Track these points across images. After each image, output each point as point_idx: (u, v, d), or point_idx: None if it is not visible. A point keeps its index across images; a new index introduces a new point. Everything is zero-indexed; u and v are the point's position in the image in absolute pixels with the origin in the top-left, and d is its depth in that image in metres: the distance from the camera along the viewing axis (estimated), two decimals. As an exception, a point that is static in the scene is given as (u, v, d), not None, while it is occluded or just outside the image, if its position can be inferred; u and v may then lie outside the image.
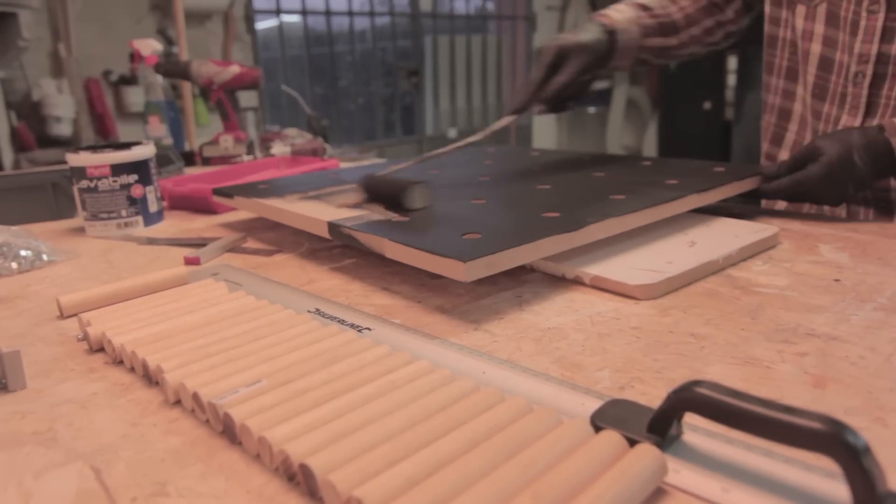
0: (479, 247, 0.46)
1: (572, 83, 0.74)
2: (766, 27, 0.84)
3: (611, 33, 0.77)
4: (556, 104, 0.75)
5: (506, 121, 0.76)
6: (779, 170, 0.69)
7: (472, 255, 0.44)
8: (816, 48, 0.75)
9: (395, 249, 0.49)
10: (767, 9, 0.82)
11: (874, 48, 0.68)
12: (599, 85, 4.48)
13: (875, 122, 0.71)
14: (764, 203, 0.84)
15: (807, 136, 0.82)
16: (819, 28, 0.75)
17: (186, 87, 1.77)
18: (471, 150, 1.01)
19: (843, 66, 0.72)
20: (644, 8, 0.82)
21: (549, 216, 0.54)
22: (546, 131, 4.61)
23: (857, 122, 0.72)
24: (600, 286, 0.50)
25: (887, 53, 0.68)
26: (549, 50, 0.74)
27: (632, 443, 0.27)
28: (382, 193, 0.63)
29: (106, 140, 2.57)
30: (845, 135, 0.65)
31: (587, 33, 0.75)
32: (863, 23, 0.69)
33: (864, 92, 0.71)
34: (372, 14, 3.79)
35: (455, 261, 0.44)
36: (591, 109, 4.60)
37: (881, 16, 0.67)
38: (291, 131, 1.41)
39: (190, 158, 1.40)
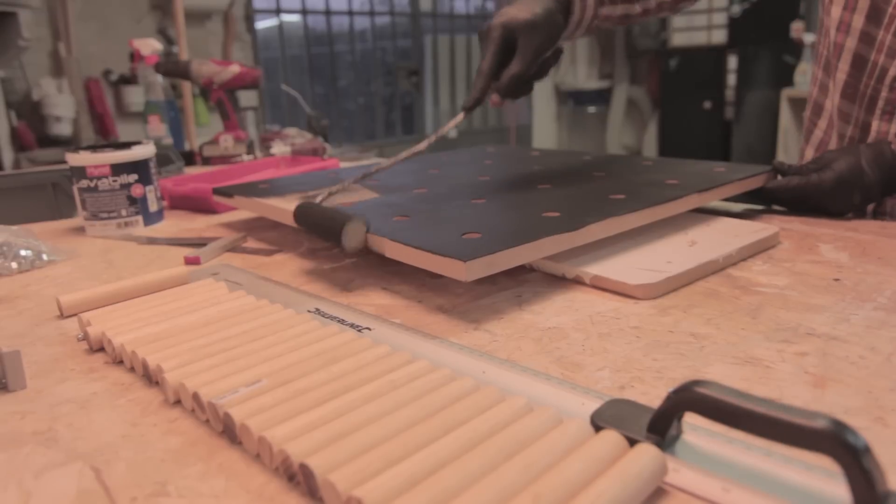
0: (479, 246, 0.46)
1: (528, 72, 0.65)
2: (819, 9, 0.79)
3: (566, 2, 0.68)
4: (513, 92, 0.66)
5: (456, 120, 0.69)
6: (788, 169, 0.68)
7: (472, 255, 0.44)
8: (851, 43, 0.70)
9: (394, 249, 0.49)
10: None
11: None
12: (598, 85, 4.48)
13: None
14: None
15: (833, 138, 0.77)
16: (858, 21, 0.69)
17: (186, 87, 1.77)
18: (471, 150, 1.01)
19: (877, 67, 0.68)
20: None
21: (550, 216, 0.54)
22: (546, 131, 4.61)
23: (893, 129, 0.69)
24: (600, 286, 0.50)
25: None
26: (495, 31, 0.64)
27: (632, 442, 0.27)
28: (319, 225, 0.55)
29: (106, 140, 2.57)
30: (854, 147, 0.65)
31: (536, 4, 0.64)
32: None
33: None
34: (372, 14, 3.79)
35: (455, 260, 0.44)
36: (591, 109, 4.60)
37: None
38: (291, 131, 1.41)
39: (190, 158, 1.40)
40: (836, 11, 0.72)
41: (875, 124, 0.70)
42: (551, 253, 0.49)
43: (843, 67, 0.72)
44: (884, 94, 0.69)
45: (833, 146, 0.78)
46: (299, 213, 0.58)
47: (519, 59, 0.63)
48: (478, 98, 0.65)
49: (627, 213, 0.55)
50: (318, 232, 0.55)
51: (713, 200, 0.65)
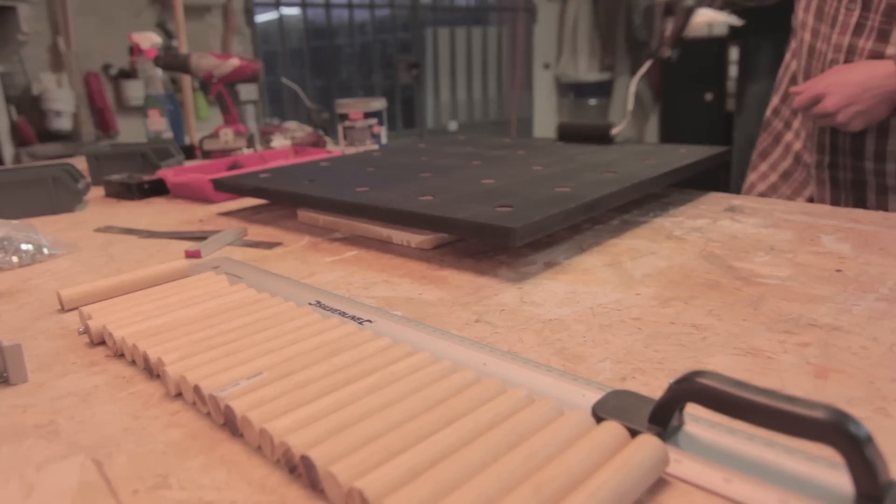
0: (519, 216, 0.52)
1: (682, 28, 0.93)
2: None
3: None
4: (675, 44, 0.94)
5: (646, 67, 0.97)
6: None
7: (520, 222, 0.50)
8: (807, 37, 0.87)
9: (444, 223, 0.54)
10: None
11: (846, 40, 0.79)
12: (599, 77, 4.47)
13: None
14: (746, 187, 0.99)
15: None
16: (809, 19, 0.86)
17: (186, 81, 1.76)
18: (408, 146, 1.07)
19: (822, 54, 0.84)
20: None
21: (561, 190, 0.61)
22: (547, 123, 4.59)
23: None
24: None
25: (855, 45, 0.78)
26: (659, 7, 0.94)
27: (633, 433, 0.27)
28: (581, 134, 0.94)
29: (106, 134, 2.57)
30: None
31: None
32: (841, 17, 0.80)
33: None
34: (372, 6, 3.77)
35: (508, 227, 0.49)
36: (592, 101, 4.58)
37: (856, 13, 0.78)
38: (292, 124, 1.41)
39: (190, 152, 1.40)
40: (800, 14, 0.89)
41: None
42: (576, 221, 0.57)
43: (804, 56, 0.89)
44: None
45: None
46: (563, 128, 0.96)
47: (677, 19, 0.92)
48: (657, 47, 0.95)
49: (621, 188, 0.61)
50: (582, 136, 0.93)
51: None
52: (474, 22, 4.26)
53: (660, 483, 0.26)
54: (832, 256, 0.52)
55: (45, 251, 0.64)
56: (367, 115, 1.14)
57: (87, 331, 0.42)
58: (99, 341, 0.43)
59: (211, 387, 0.32)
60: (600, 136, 0.90)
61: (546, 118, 4.59)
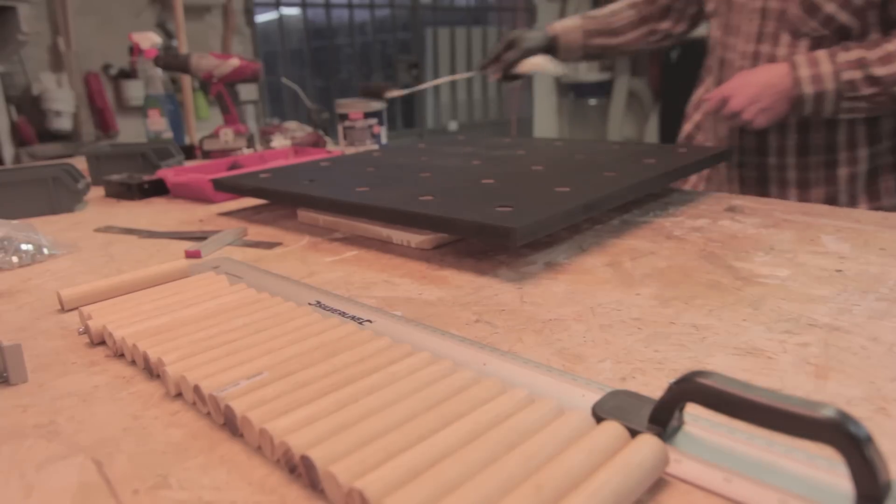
0: (519, 216, 0.52)
1: (513, 65, 1.07)
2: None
3: (553, 38, 1.09)
4: (505, 75, 1.08)
5: (467, 75, 1.30)
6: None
7: (520, 223, 0.50)
8: (719, 51, 0.96)
9: (443, 223, 0.54)
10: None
11: (751, 47, 0.88)
12: (599, 77, 4.47)
13: None
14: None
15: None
16: (719, 35, 0.95)
17: (186, 81, 1.77)
18: (409, 146, 1.06)
19: (732, 63, 0.92)
20: (590, 17, 1.11)
21: (561, 190, 0.61)
22: (547, 123, 4.60)
23: None
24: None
25: (758, 51, 0.87)
26: (504, 38, 1.08)
27: (633, 433, 0.27)
28: (371, 93, 1.13)
29: (106, 134, 2.57)
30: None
31: (532, 38, 1.07)
32: (744, 28, 0.88)
33: None
34: (372, 6, 3.78)
35: (508, 227, 0.49)
36: (592, 101, 4.58)
37: (756, 22, 0.87)
38: (292, 124, 1.41)
39: (190, 152, 1.40)
40: (713, 33, 0.97)
41: None
42: (576, 221, 0.58)
43: (716, 68, 0.96)
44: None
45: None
46: (364, 89, 1.18)
47: (511, 53, 1.07)
48: (484, 65, 1.10)
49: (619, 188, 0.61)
50: (373, 95, 1.16)
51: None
52: (474, 22, 4.26)
53: (660, 483, 0.26)
54: (832, 256, 0.52)
55: (45, 251, 0.64)
56: (367, 116, 1.14)
57: (87, 331, 0.42)
58: (99, 341, 0.43)
59: (211, 387, 0.32)
60: (376, 94, 1.13)
61: (546, 118, 4.60)
